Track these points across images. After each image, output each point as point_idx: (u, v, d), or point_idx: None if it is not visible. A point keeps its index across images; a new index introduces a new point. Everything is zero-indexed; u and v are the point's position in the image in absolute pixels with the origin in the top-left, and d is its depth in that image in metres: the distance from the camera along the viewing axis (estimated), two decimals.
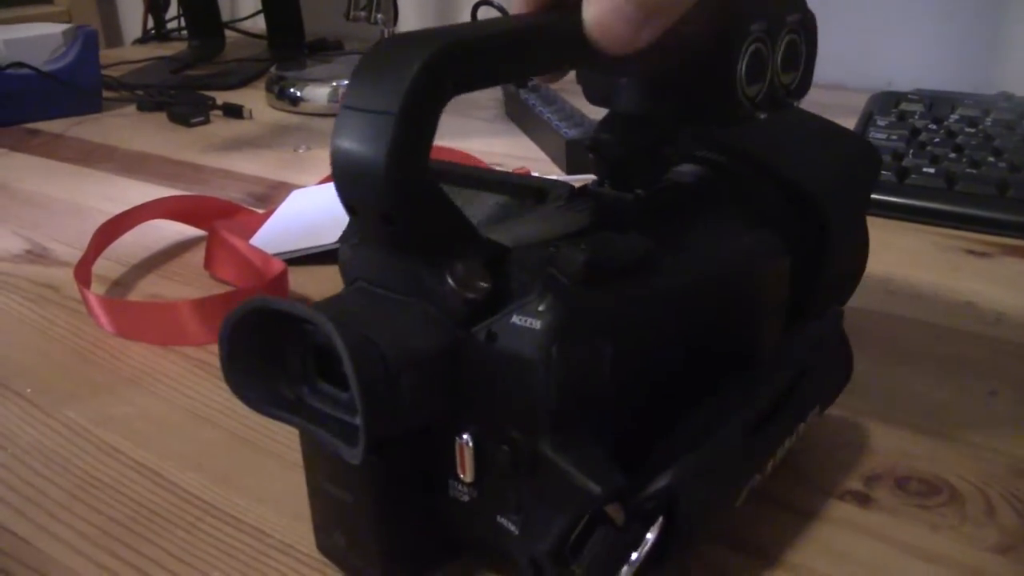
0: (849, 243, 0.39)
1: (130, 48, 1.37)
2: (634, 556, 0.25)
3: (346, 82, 0.92)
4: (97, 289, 0.53)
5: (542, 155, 0.77)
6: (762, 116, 0.32)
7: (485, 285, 0.25)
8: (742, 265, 0.32)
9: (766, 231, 0.33)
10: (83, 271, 0.52)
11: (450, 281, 0.25)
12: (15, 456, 0.38)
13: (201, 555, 0.32)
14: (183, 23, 1.33)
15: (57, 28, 0.98)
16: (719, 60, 0.30)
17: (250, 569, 0.31)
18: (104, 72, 1.03)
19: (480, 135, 0.82)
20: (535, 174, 0.62)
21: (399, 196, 0.24)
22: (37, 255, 0.60)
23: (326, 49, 1.15)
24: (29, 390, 0.43)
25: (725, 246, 0.32)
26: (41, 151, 0.84)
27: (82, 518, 0.34)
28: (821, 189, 0.36)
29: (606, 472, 0.25)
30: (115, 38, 1.66)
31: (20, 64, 0.92)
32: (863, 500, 0.33)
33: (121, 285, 0.55)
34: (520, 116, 0.84)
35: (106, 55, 1.16)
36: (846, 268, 0.39)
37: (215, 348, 0.39)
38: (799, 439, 0.32)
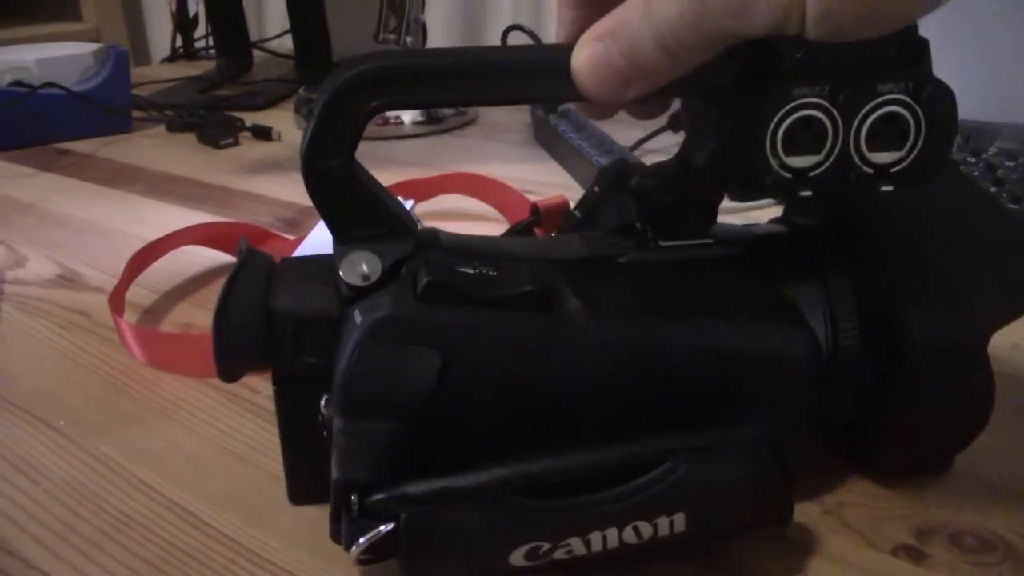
0: (942, 394, 0.31)
1: (158, 67, 1.38)
2: (361, 540, 0.27)
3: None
4: (129, 317, 0.52)
5: (572, 182, 0.76)
6: (804, 193, 0.29)
7: (367, 276, 0.29)
8: (681, 349, 0.30)
9: (780, 328, 0.30)
10: (117, 299, 0.51)
11: (340, 266, 0.29)
12: (48, 492, 0.38)
13: None
14: (211, 42, 1.34)
15: (88, 48, 0.99)
16: (745, 121, 0.28)
17: None
18: (132, 91, 1.03)
19: (508, 160, 0.82)
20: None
21: (309, 186, 0.30)
22: (68, 280, 0.60)
23: None
24: (62, 423, 0.43)
25: (674, 324, 0.30)
26: (70, 171, 0.85)
27: (114, 558, 0.34)
28: (916, 310, 0.30)
29: (361, 463, 0.28)
30: (143, 56, 1.67)
31: (51, 84, 0.93)
32: (917, 556, 0.32)
33: (153, 313, 0.54)
34: (549, 142, 0.84)
35: (134, 73, 1.16)
36: (931, 423, 0.32)
37: (248, 381, 0.38)
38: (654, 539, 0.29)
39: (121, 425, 0.42)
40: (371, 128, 0.94)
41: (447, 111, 0.94)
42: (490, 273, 0.29)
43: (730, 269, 0.32)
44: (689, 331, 0.30)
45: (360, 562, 0.28)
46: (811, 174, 0.29)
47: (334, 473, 0.28)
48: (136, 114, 1.00)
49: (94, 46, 1.00)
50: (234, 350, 0.31)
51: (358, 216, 0.30)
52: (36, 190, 0.79)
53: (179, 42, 1.41)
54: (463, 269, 0.29)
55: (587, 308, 0.29)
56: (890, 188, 0.29)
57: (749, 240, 0.34)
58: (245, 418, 0.43)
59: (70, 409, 0.44)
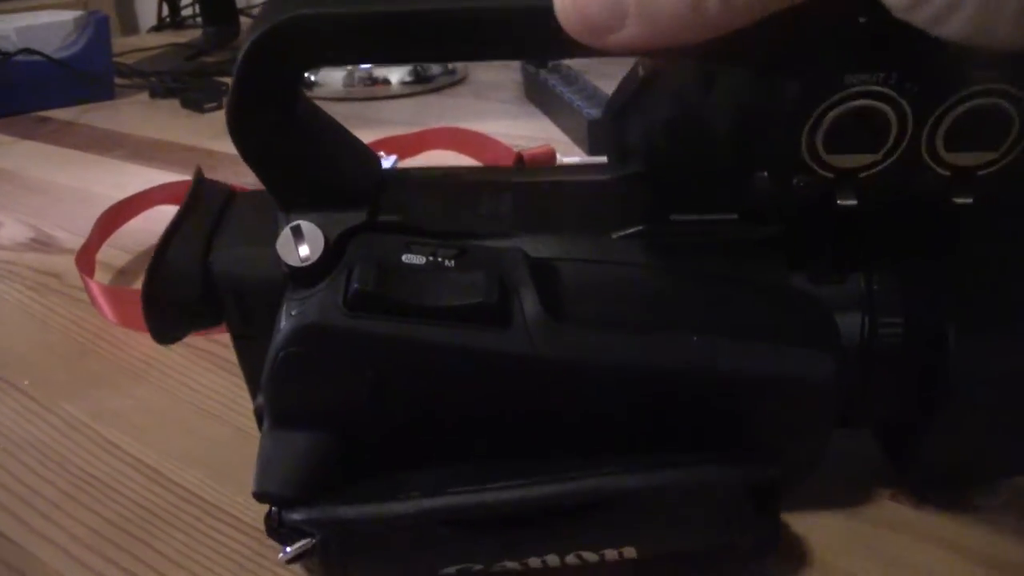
0: (987, 418, 0.27)
1: (145, 36, 1.36)
2: (287, 549, 0.25)
3: (362, 66, 0.90)
4: (101, 278, 0.51)
5: (564, 137, 0.74)
6: (847, 202, 0.24)
7: (306, 257, 0.25)
8: (662, 372, 0.25)
9: (792, 347, 0.25)
10: (86, 259, 0.50)
11: (277, 242, 0.25)
12: (9, 452, 0.36)
13: (199, 558, 0.30)
14: (198, 10, 1.31)
15: (68, 15, 0.97)
16: (777, 104, 0.23)
17: (247, 572, 0.29)
18: (118, 60, 1.01)
19: (499, 118, 0.80)
20: (562, 158, 0.60)
21: (242, 152, 0.25)
22: (42, 243, 0.58)
23: None
24: (27, 382, 0.41)
25: (657, 340, 0.25)
26: (50, 139, 0.83)
27: (75, 519, 0.32)
28: (965, 327, 0.26)
29: (282, 476, 0.25)
30: (131, 26, 1.65)
31: (31, 51, 0.91)
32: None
33: (126, 273, 0.53)
34: (540, 97, 0.82)
35: (121, 43, 1.14)
36: (972, 445, 0.28)
37: (222, 338, 0.37)
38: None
39: (88, 385, 0.41)
40: (358, 89, 0.92)
41: (435, 70, 0.91)
42: (446, 263, 0.25)
43: (748, 257, 0.26)
44: (676, 350, 0.24)
45: (289, 562, 0.26)
46: (861, 175, 0.24)
47: (254, 483, 0.26)
48: (119, 81, 0.98)
49: (75, 13, 0.98)
50: (166, 312, 0.28)
51: (303, 181, 0.26)
52: (15, 158, 0.77)
53: (166, 11, 1.38)
54: (412, 259, 0.25)
55: (549, 320, 0.24)
56: (968, 199, 0.24)
57: (785, 216, 0.26)
58: (218, 375, 0.41)
59: (36, 369, 0.42)
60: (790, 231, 0.26)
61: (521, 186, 0.28)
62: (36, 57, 0.91)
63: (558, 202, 0.28)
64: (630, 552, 0.25)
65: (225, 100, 0.90)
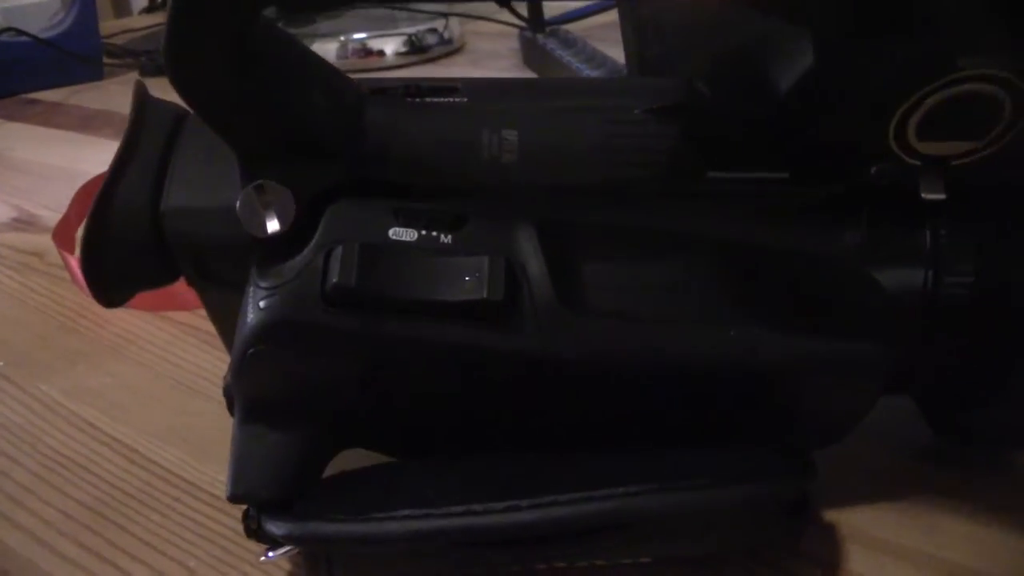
0: None
1: (137, 17, 1.33)
2: (270, 554, 0.23)
3: (355, 36, 0.87)
4: None
5: None
6: (933, 196, 0.21)
7: (273, 229, 0.21)
8: (690, 367, 0.22)
9: (840, 336, 0.22)
10: (65, 234, 0.47)
11: (239, 207, 0.22)
12: None
13: (176, 541, 0.28)
14: None
15: None
16: (861, 78, 0.20)
17: (228, 555, 0.27)
18: (109, 41, 0.99)
19: None
20: None
21: (177, 86, 0.20)
22: (24, 222, 0.56)
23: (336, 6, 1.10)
24: (2, 363, 0.39)
25: (685, 331, 0.22)
26: (38, 120, 0.81)
27: (47, 502, 0.30)
28: None
29: (258, 477, 0.23)
30: (124, 7, 1.62)
31: (17, 31, 0.88)
32: None
33: None
34: (540, 62, 0.79)
35: (112, 25, 1.12)
36: None
37: (206, 312, 0.34)
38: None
39: (66, 363, 0.39)
40: (352, 61, 0.90)
41: (431, 39, 0.89)
42: (442, 238, 0.21)
43: (799, 224, 0.23)
44: (711, 345, 0.22)
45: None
46: (953, 163, 0.21)
47: (228, 484, 0.23)
48: (109, 61, 0.96)
49: None
50: (110, 268, 0.24)
51: (266, 128, 0.22)
52: (0, 139, 0.75)
53: None
54: (402, 234, 0.21)
55: (563, 310, 0.21)
56: (939, 196, 0.21)
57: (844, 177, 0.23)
58: (202, 350, 0.39)
59: (12, 349, 0.40)
60: (849, 195, 0.23)
61: (530, 120, 0.23)
62: (23, 38, 0.89)
63: (574, 144, 0.23)
64: (645, 558, 0.23)
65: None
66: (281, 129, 0.22)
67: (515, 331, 0.21)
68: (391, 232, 0.21)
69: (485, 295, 0.20)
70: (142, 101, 0.25)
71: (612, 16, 0.87)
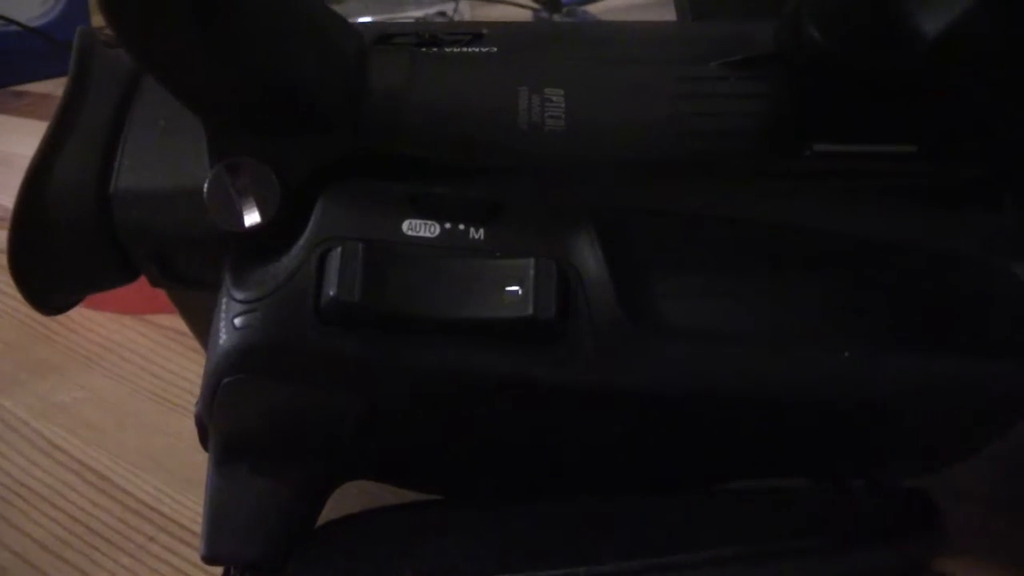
0: None
1: None
2: None
3: (361, 20, 0.83)
4: None
5: None
6: None
7: (251, 220, 0.17)
8: (788, 399, 0.17)
9: (982, 361, 0.17)
10: None
11: (206, 193, 0.17)
12: None
13: None
14: None
15: None
16: None
17: None
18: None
19: None
20: None
21: (122, 36, 0.15)
22: (4, 219, 0.52)
23: None
24: None
25: (783, 355, 0.17)
26: (24, 112, 0.76)
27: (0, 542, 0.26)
28: None
29: (234, 528, 0.18)
30: None
31: (5, 20, 0.84)
32: None
33: None
34: None
35: None
36: None
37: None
38: None
39: (34, 375, 0.35)
40: None
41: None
42: (472, 234, 0.17)
43: (929, 212, 0.18)
44: (814, 368, 0.17)
45: None
46: None
47: (202, 543, 0.19)
48: None
49: None
50: (44, 265, 0.19)
51: (240, 94, 0.17)
52: None
53: None
54: (420, 229, 0.17)
55: (630, 329, 0.16)
56: None
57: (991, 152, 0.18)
58: (188, 359, 0.35)
59: None
60: (991, 178, 0.18)
61: (578, 75, 0.19)
62: (11, 27, 0.85)
63: (637, 108, 0.18)
64: None
65: None
66: (259, 91, 0.17)
67: (569, 357, 0.16)
68: (406, 226, 0.17)
69: (531, 312, 0.16)
70: (87, 52, 0.20)
71: None
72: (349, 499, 0.21)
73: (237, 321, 0.16)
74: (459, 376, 0.16)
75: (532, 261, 0.16)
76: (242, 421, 0.17)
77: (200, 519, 0.25)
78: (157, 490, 0.27)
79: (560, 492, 0.18)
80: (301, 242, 0.16)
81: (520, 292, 0.16)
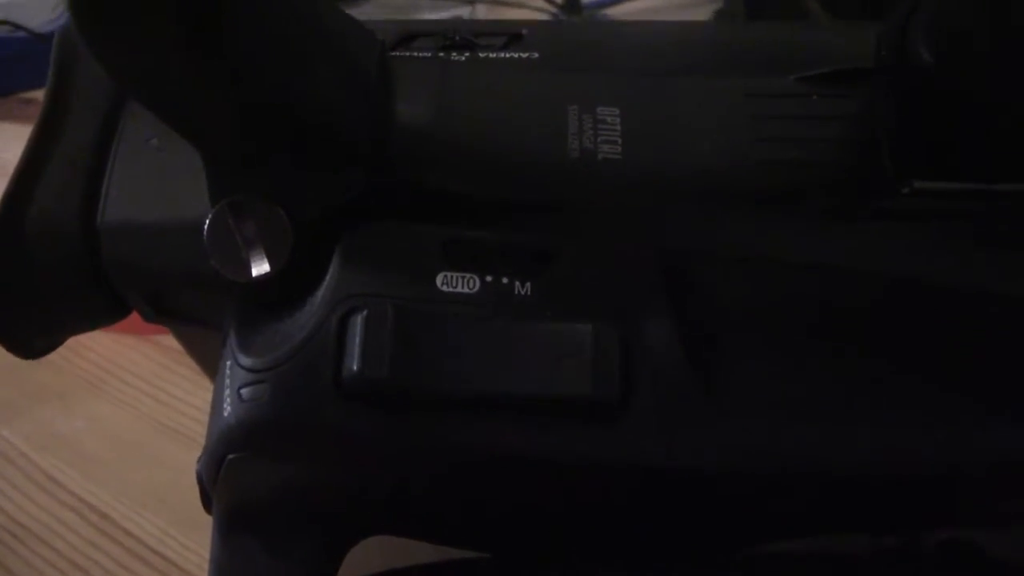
0: None
1: None
2: None
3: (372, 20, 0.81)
4: None
5: None
6: None
7: (259, 269, 0.14)
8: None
9: None
10: None
11: (206, 236, 0.15)
12: None
13: None
14: None
15: None
16: None
17: None
18: None
19: None
20: None
21: (99, 55, 0.13)
22: None
23: None
24: None
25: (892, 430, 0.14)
26: (33, 120, 0.75)
27: None
28: None
29: None
30: None
31: (14, 26, 0.83)
32: None
33: None
34: None
35: None
36: None
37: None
38: None
39: (33, 402, 0.33)
40: None
41: None
42: (517, 288, 0.14)
43: None
44: (913, 447, 0.14)
45: None
46: None
47: None
48: None
49: None
50: (22, 309, 0.17)
51: (243, 122, 0.14)
52: None
53: None
54: (456, 284, 0.14)
55: (699, 402, 0.14)
56: None
57: None
58: (194, 383, 0.33)
59: None
60: None
61: (635, 91, 0.16)
62: (20, 33, 0.83)
63: (704, 131, 0.16)
64: None
65: None
66: (266, 118, 0.14)
67: (630, 437, 0.14)
68: (440, 280, 0.14)
69: (590, 392, 0.13)
70: (69, 58, 0.18)
71: (655, 0, 0.80)
72: (371, 553, 0.20)
73: (244, 392, 0.14)
74: (501, 459, 0.14)
75: (590, 329, 0.14)
76: (248, 496, 0.15)
77: (204, 563, 0.24)
78: (161, 531, 0.26)
79: (601, 560, 0.16)
80: (318, 298, 0.14)
81: (576, 364, 0.13)
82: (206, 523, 0.24)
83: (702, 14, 0.67)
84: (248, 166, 0.15)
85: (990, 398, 0.14)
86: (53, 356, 0.35)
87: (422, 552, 0.19)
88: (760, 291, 0.15)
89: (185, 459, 0.28)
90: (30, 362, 0.34)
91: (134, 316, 0.32)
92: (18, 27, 0.83)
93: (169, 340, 0.36)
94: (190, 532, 0.25)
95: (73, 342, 0.36)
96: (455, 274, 0.14)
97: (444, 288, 0.14)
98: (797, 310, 0.15)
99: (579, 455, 0.14)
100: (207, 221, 0.14)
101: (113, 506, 0.27)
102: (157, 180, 0.16)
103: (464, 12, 0.82)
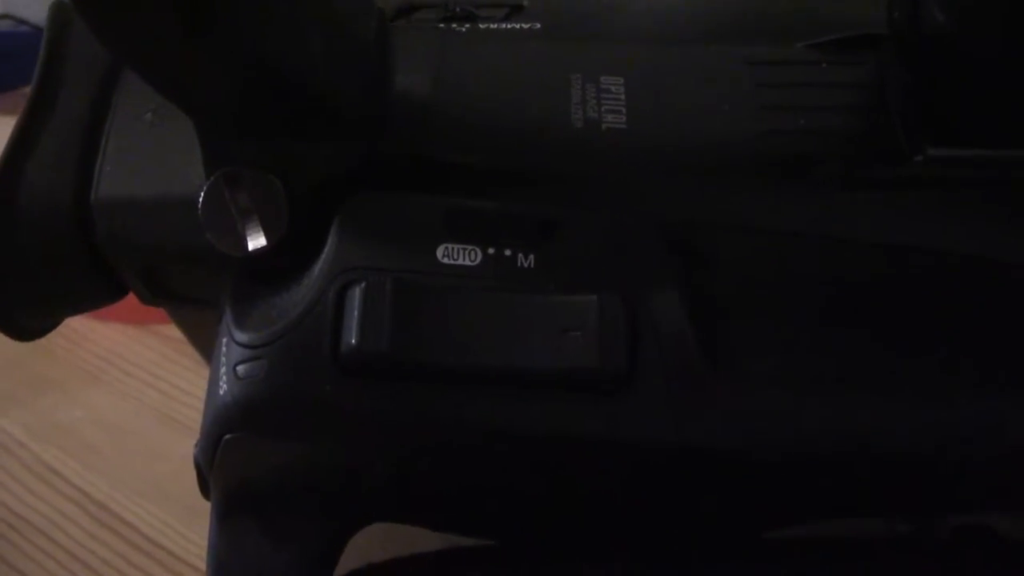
0: None
1: None
2: None
3: None
4: None
5: None
6: None
7: (254, 242, 0.14)
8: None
9: None
10: None
11: (200, 209, 0.14)
12: None
13: None
14: None
15: None
16: None
17: None
18: None
19: None
20: None
21: (93, 25, 0.13)
22: None
23: None
24: None
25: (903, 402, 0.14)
26: None
27: None
28: None
29: None
30: None
31: (17, 20, 0.83)
32: None
33: None
34: None
35: None
36: None
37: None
38: None
39: (33, 392, 0.32)
40: None
41: None
42: (520, 260, 0.14)
43: None
44: (930, 423, 0.14)
45: None
46: None
47: None
48: None
49: None
50: (14, 287, 0.16)
51: (237, 90, 0.14)
52: None
53: None
54: (458, 256, 0.14)
55: (706, 374, 0.14)
56: None
57: None
58: (196, 373, 0.32)
59: None
60: None
61: (639, 60, 0.16)
62: (23, 27, 0.83)
63: (710, 99, 0.15)
64: None
65: None
66: (261, 86, 0.14)
67: (636, 411, 0.13)
68: (440, 252, 0.14)
69: (598, 364, 0.13)
70: (62, 29, 0.17)
71: None
72: (373, 542, 0.19)
73: (240, 370, 0.13)
74: (505, 433, 0.13)
75: (595, 300, 0.13)
76: (246, 477, 0.15)
77: (199, 553, 0.23)
78: (161, 522, 0.25)
79: (606, 545, 0.15)
80: (315, 272, 0.14)
81: (582, 337, 0.13)
82: (206, 514, 0.24)
83: None
84: (244, 136, 0.14)
85: (1003, 375, 0.14)
86: (53, 346, 0.35)
87: (426, 543, 0.18)
88: (767, 263, 0.14)
89: (186, 450, 0.28)
90: (30, 352, 0.34)
91: (135, 305, 0.31)
92: (21, 22, 0.82)
93: (171, 330, 0.35)
94: (190, 523, 0.25)
95: (74, 332, 0.35)
96: (456, 246, 0.14)
97: (445, 260, 0.14)
98: (805, 282, 0.14)
99: (584, 430, 0.13)
100: (202, 194, 0.14)
101: (113, 497, 0.27)
102: (151, 155, 0.16)
103: None
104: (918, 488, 0.15)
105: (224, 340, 0.14)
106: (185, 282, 0.17)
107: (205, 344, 0.21)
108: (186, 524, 0.25)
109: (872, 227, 0.14)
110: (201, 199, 0.14)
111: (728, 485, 0.14)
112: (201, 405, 0.30)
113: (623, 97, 0.15)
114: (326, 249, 0.14)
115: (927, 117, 0.14)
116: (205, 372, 0.31)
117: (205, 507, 0.24)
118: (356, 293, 0.13)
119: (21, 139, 0.16)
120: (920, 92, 0.14)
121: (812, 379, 0.14)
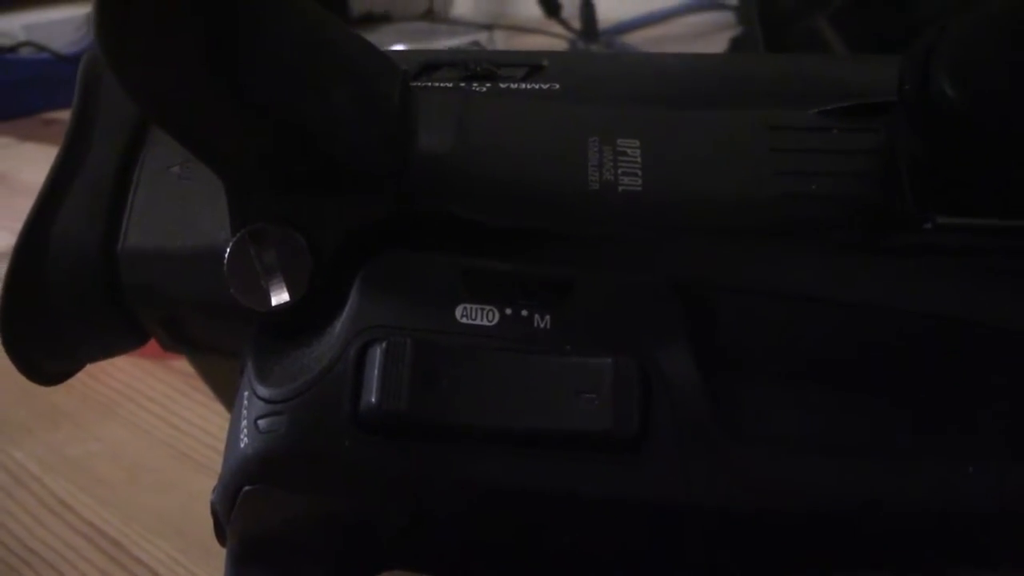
0: None
1: None
2: None
3: (393, 50, 0.82)
4: None
5: None
6: None
7: (277, 297, 0.15)
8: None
9: None
10: None
11: (226, 266, 0.15)
12: None
13: None
14: None
15: (80, 10, 0.90)
16: None
17: None
18: None
19: None
20: None
21: (123, 80, 0.13)
22: None
23: (373, 21, 1.05)
24: None
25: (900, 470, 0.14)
26: (54, 140, 0.75)
27: None
28: None
29: None
30: None
31: (37, 47, 0.84)
32: None
33: None
34: None
35: None
36: None
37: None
38: None
39: (46, 424, 0.33)
40: None
41: None
42: (536, 320, 0.14)
43: None
44: (938, 484, 0.14)
45: None
46: None
47: None
48: None
49: (86, 7, 0.91)
50: (40, 334, 0.17)
51: (263, 148, 0.14)
52: (11, 160, 0.70)
53: None
54: (476, 316, 0.14)
55: (718, 436, 0.14)
56: None
57: None
58: (209, 409, 0.33)
59: None
60: None
61: (655, 124, 0.16)
62: (43, 54, 0.84)
63: (724, 163, 0.16)
64: None
65: None
66: (286, 143, 0.14)
67: (648, 472, 0.13)
68: (459, 312, 0.14)
69: (611, 426, 0.13)
70: (93, 85, 0.18)
71: (672, 27, 0.80)
72: None
73: (261, 424, 0.14)
74: (517, 492, 0.14)
75: (610, 363, 0.13)
76: (263, 527, 0.15)
77: None
78: (171, 558, 0.25)
79: None
80: (336, 329, 0.14)
81: (596, 400, 0.13)
82: (218, 551, 0.24)
83: (718, 39, 0.67)
84: (269, 192, 0.14)
85: (1015, 439, 0.14)
86: (72, 380, 0.35)
87: None
88: (780, 325, 0.15)
89: (198, 486, 0.28)
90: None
91: (150, 340, 0.31)
92: (42, 48, 0.84)
93: (184, 365, 0.35)
94: (201, 560, 0.25)
95: (91, 367, 0.36)
96: (475, 306, 0.14)
97: (464, 320, 0.14)
98: (817, 344, 0.15)
99: (597, 490, 0.13)
100: (228, 249, 0.14)
101: (124, 532, 0.27)
102: (178, 207, 0.16)
103: (482, 37, 0.83)
104: (931, 546, 0.15)
105: (246, 393, 0.14)
106: (207, 332, 0.17)
107: (217, 381, 0.22)
108: (196, 562, 0.25)
109: (883, 293, 0.15)
110: (227, 255, 0.14)
111: (739, 544, 0.15)
112: (213, 441, 0.30)
113: (639, 160, 0.15)
114: (348, 307, 0.14)
115: (937, 185, 0.15)
116: (216, 407, 0.31)
117: (216, 545, 0.24)
118: (377, 353, 0.13)
119: (51, 189, 0.16)
120: (929, 161, 0.15)
121: (824, 442, 0.14)
